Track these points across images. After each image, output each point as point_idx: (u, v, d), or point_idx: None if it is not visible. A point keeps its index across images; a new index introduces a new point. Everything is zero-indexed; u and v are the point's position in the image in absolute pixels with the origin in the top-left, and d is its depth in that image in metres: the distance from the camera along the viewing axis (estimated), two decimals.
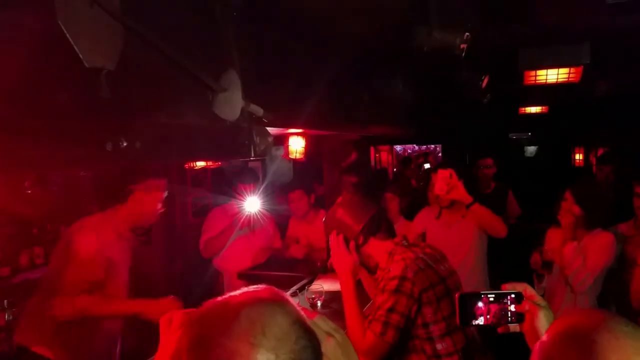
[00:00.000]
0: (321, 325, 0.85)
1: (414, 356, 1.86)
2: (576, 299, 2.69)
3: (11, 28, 1.15)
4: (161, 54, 1.41)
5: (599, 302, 2.74)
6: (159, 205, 2.54)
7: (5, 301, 3.50)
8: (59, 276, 2.28)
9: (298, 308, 0.77)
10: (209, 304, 0.76)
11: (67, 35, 1.17)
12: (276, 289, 0.79)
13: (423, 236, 3.36)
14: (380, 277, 1.95)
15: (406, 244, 2.01)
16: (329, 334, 0.85)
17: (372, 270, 2.09)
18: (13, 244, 3.60)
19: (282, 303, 0.74)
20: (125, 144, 1.19)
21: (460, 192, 2.91)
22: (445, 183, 2.89)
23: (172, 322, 0.84)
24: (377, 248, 2.02)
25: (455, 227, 3.20)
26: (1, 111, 1.07)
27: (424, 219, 3.43)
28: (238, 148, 1.72)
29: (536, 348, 0.85)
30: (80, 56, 1.19)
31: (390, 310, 1.77)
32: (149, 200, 2.49)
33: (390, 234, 2.08)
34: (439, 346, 1.82)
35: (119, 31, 1.30)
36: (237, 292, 0.76)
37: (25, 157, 1.08)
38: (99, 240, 2.33)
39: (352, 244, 2.01)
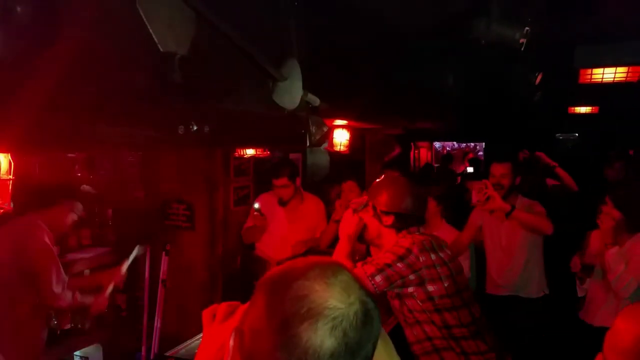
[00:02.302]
0: None
1: (425, 326, 1.96)
2: (619, 304, 2.61)
3: (91, 12, 1.18)
4: (228, 42, 1.42)
5: None
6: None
7: None
8: None
9: None
10: (274, 269, 0.81)
11: (145, 19, 1.20)
12: None
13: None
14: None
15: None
16: None
17: (363, 239, 2.17)
18: None
19: (341, 264, 0.82)
20: (195, 128, 1.21)
21: (498, 203, 2.95)
22: (482, 194, 2.96)
23: (217, 316, 0.86)
24: (390, 237, 2.08)
25: (506, 222, 3.20)
26: (83, 92, 1.11)
27: (481, 213, 3.42)
28: (295, 137, 1.73)
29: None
30: (155, 40, 1.22)
31: (388, 265, 1.86)
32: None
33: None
34: (447, 317, 1.91)
35: (191, 18, 1.32)
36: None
37: (103, 136, 1.11)
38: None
39: (372, 211, 2.08)
